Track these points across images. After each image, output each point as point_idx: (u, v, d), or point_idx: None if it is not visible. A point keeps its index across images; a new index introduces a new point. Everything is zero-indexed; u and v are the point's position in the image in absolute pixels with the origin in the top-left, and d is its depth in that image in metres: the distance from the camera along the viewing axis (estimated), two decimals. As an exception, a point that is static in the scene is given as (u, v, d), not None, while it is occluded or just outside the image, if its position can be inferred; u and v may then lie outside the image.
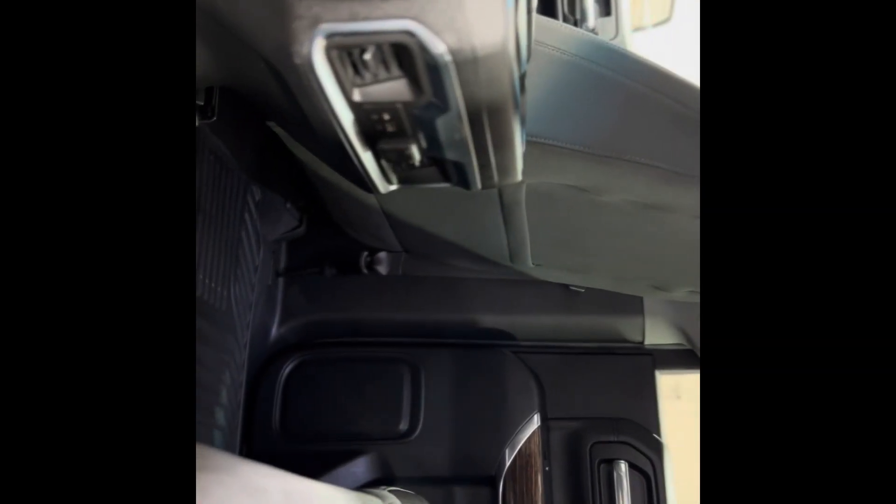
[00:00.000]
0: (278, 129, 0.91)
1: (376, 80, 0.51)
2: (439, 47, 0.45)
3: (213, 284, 1.06)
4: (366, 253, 1.25)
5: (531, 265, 1.14)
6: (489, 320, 1.27)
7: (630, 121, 0.82)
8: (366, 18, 0.45)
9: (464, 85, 0.48)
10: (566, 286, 1.26)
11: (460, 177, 0.67)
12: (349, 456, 1.11)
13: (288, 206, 1.25)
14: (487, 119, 0.54)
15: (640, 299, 1.27)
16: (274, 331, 1.29)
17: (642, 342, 1.28)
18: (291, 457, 1.15)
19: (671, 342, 1.28)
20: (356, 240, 1.22)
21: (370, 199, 1.01)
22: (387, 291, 1.26)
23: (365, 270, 1.24)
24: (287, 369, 1.20)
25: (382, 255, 1.27)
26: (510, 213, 0.96)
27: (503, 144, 0.60)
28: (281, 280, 1.32)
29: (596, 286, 1.22)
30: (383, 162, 0.64)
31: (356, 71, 0.50)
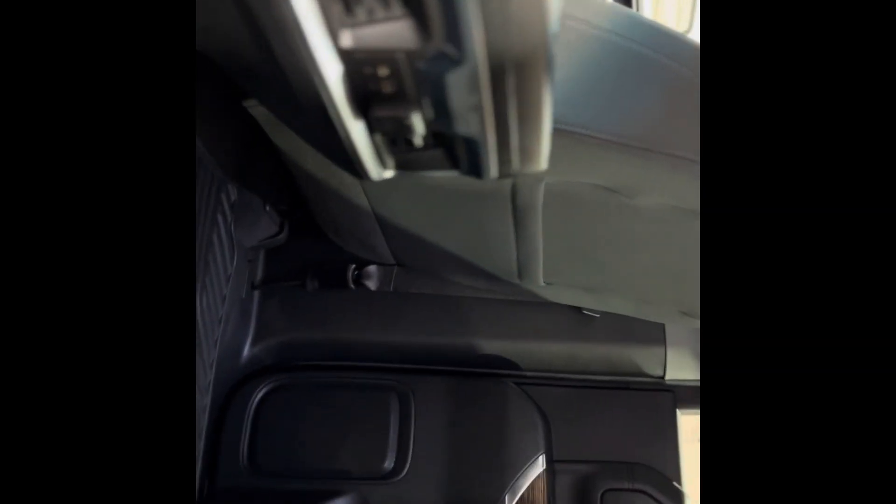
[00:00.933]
0: (257, 111, 0.80)
1: (372, 20, 0.43)
2: None
3: None
4: (353, 265, 1.18)
5: (541, 283, 1.03)
6: (491, 346, 1.17)
7: (675, 109, 0.71)
8: None
9: (488, 25, 0.41)
10: (579, 310, 1.16)
11: (472, 161, 0.58)
12: (326, 496, 1.03)
13: (268, 209, 1.15)
14: (513, 77, 0.46)
15: (662, 327, 1.16)
16: (246, 350, 1.19)
17: (663, 377, 1.18)
18: (260, 495, 1.06)
19: (695, 378, 1.17)
20: (343, 250, 1.16)
21: (360, 199, 0.89)
22: (376, 309, 1.19)
23: (352, 285, 1.17)
24: (259, 394, 1.12)
25: (372, 268, 1.18)
26: (523, 218, 0.84)
27: (529, 115, 0.51)
28: (257, 293, 1.23)
29: (614, 310, 1.12)
30: (377, 137, 0.56)
31: (346, 5, 0.42)
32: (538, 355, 1.17)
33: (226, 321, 1.11)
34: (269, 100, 0.64)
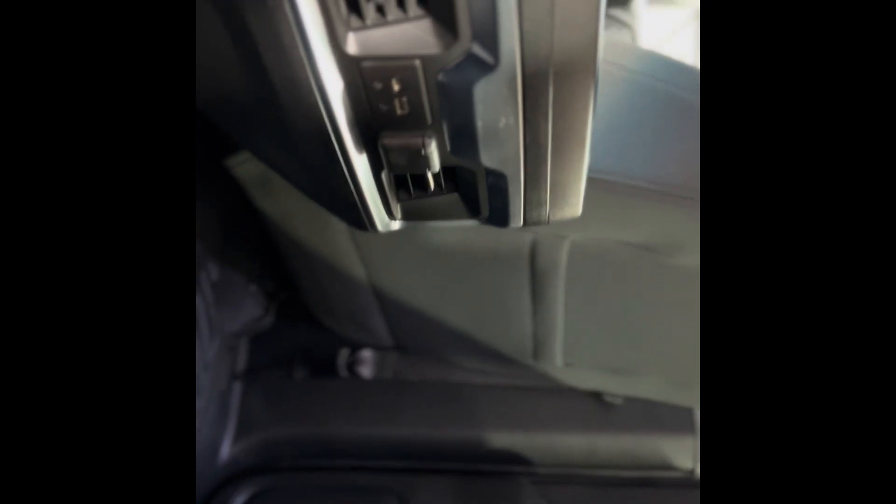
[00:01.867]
0: (242, 171, 0.74)
1: (382, 22, 0.37)
2: None
3: None
4: (346, 350, 1.10)
5: (560, 364, 0.95)
6: (501, 439, 1.07)
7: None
8: None
9: (527, 20, 0.35)
10: (599, 396, 1.06)
11: (495, 205, 0.52)
12: None
13: (252, 289, 1.08)
14: (553, 89, 0.40)
15: (690, 413, 1.07)
16: (225, 450, 1.09)
17: (693, 470, 1.08)
18: None
19: (731, 471, 1.05)
20: (335, 333, 1.09)
21: (356, 269, 0.81)
22: (371, 400, 1.09)
23: (345, 372, 1.09)
24: (240, 500, 1.03)
25: (367, 352, 1.09)
26: (542, 284, 0.76)
27: (569, 140, 0.45)
28: (238, 384, 1.13)
29: (642, 394, 1.03)
30: (385, 176, 0.49)
31: (352, 4, 0.36)
32: (555, 449, 1.07)
33: (203, 416, 1.01)
34: (258, 142, 0.56)
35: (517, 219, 0.52)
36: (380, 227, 0.53)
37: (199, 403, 1.00)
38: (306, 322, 1.08)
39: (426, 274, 0.81)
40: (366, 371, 1.08)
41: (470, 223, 0.54)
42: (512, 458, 1.07)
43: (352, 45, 0.37)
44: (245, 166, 0.73)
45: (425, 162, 0.44)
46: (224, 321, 1.06)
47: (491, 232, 0.70)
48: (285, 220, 0.79)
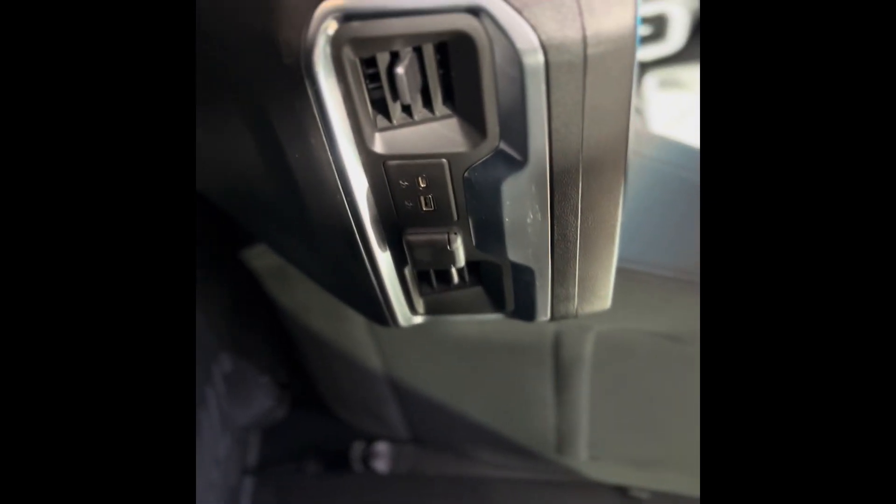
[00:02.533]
0: (258, 263, 0.74)
1: (409, 122, 0.37)
2: (525, 38, 0.31)
3: None
4: (361, 443, 1.07)
5: (584, 458, 0.92)
6: None
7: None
8: None
9: (557, 118, 0.34)
10: (624, 491, 1.02)
11: (521, 300, 0.50)
12: None
13: (264, 380, 1.06)
14: (583, 184, 0.39)
15: None
16: None
17: None
18: None
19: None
20: (349, 426, 1.06)
21: (373, 360, 0.79)
22: (387, 496, 1.06)
23: (359, 467, 1.06)
24: None
25: (382, 446, 1.06)
26: (567, 376, 0.73)
27: (598, 234, 0.44)
28: (249, 480, 1.09)
29: (668, 488, 0.98)
30: (408, 271, 0.48)
31: (379, 105, 0.36)
32: None
33: None
34: (277, 236, 0.55)
35: (544, 313, 0.50)
36: (402, 322, 0.52)
37: (210, 499, 0.96)
38: (319, 413, 1.05)
39: (444, 365, 0.79)
40: (381, 465, 1.04)
41: (494, 316, 0.52)
42: (536, 558, 1.02)
43: (379, 146, 0.36)
44: (261, 259, 0.72)
45: (450, 258, 0.43)
46: (236, 414, 1.04)
47: (512, 323, 0.68)
48: (301, 311, 0.77)
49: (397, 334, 0.74)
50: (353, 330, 0.75)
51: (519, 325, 0.69)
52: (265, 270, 0.73)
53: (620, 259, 0.59)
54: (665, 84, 1.39)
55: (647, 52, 1.28)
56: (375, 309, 0.50)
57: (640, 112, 1.28)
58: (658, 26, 1.20)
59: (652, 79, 1.34)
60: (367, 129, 0.35)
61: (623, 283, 0.60)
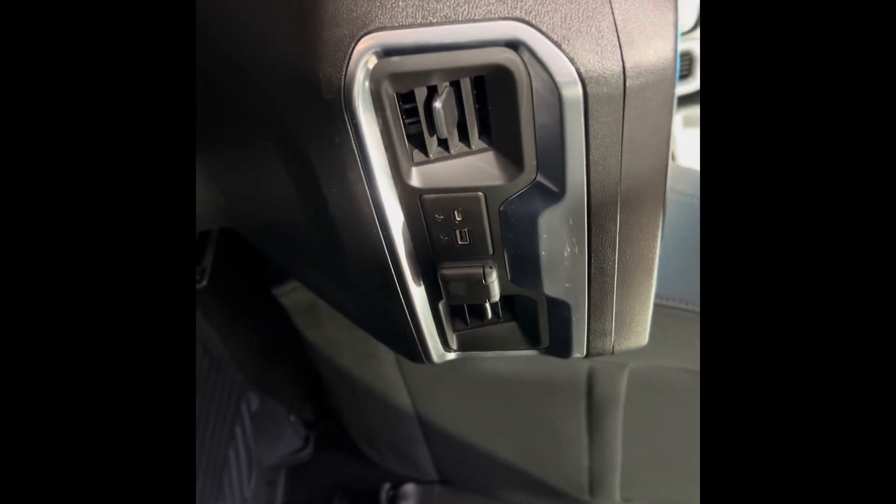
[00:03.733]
0: (289, 299, 0.74)
1: (445, 156, 0.37)
2: (564, 71, 0.31)
3: None
4: (388, 484, 1.06)
5: (618, 500, 0.89)
6: None
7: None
8: (445, 20, 0.31)
9: (595, 151, 0.34)
10: None
11: (556, 336, 0.50)
12: None
13: (292, 419, 1.06)
14: (621, 218, 0.39)
15: None
16: None
17: None
18: None
19: None
20: (376, 467, 1.05)
21: (402, 398, 0.79)
22: None
23: None
24: None
25: (410, 487, 1.05)
26: (600, 415, 0.72)
27: (636, 270, 0.44)
28: None
29: None
30: (442, 306, 0.47)
31: (413, 137, 0.36)
32: None
33: None
34: (309, 272, 0.55)
35: (580, 349, 0.49)
36: (435, 358, 0.51)
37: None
38: (346, 454, 1.05)
39: (475, 403, 0.78)
40: (409, 506, 1.03)
41: (529, 353, 0.52)
42: None
43: (416, 179, 0.36)
44: (292, 295, 0.72)
45: (485, 292, 0.43)
46: (263, 454, 1.03)
47: (545, 360, 0.67)
48: (331, 348, 0.77)
49: (427, 371, 0.74)
50: (383, 367, 0.74)
51: (552, 362, 0.68)
52: (296, 307, 0.73)
53: (663, 297, 0.59)
54: (689, 122, 1.39)
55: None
56: (408, 345, 0.50)
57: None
58: (684, 64, 1.21)
59: (677, 117, 1.35)
60: (404, 163, 0.35)
61: (658, 319, 0.59)
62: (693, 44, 1.18)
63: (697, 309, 0.59)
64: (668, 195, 0.65)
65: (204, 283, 0.72)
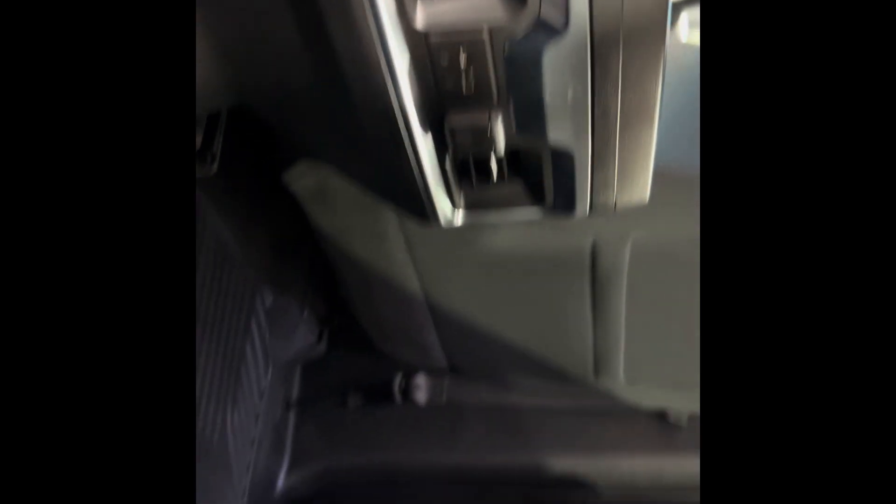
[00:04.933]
0: (300, 185, 0.75)
1: None
2: None
3: (205, 406, 0.85)
4: (400, 375, 1.08)
5: (622, 380, 0.92)
6: (563, 464, 1.04)
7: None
8: None
9: None
10: (663, 417, 1.02)
11: (561, 190, 0.51)
12: None
13: (305, 314, 1.07)
14: (623, 56, 0.39)
15: None
16: (281, 480, 1.08)
17: None
18: None
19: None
20: (388, 360, 1.07)
21: (412, 284, 0.81)
22: (427, 426, 1.08)
23: (399, 399, 1.08)
24: None
25: (421, 378, 1.08)
26: (604, 289, 0.74)
27: (638, 114, 0.45)
28: (292, 414, 1.12)
29: None
30: (449, 161, 0.49)
31: None
32: (617, 472, 1.03)
33: (258, 445, 1.00)
34: (317, 136, 0.56)
35: (583, 204, 0.50)
36: (442, 219, 0.53)
37: (255, 434, 0.99)
38: (359, 348, 1.07)
39: (482, 284, 0.80)
40: (420, 396, 1.07)
41: (534, 213, 0.53)
42: (575, 484, 1.04)
43: (420, 18, 0.37)
44: (302, 181, 0.73)
45: (491, 142, 0.44)
46: (278, 350, 1.06)
47: (550, 235, 0.69)
48: (341, 234, 0.78)
49: (435, 253, 0.75)
50: (393, 250, 0.76)
51: (556, 237, 0.69)
52: (306, 192, 0.74)
53: (662, 161, 0.60)
54: None
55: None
56: (417, 203, 0.51)
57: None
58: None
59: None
60: (409, 2, 0.36)
61: (659, 185, 0.61)
62: None
63: (698, 173, 0.59)
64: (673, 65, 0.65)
65: (214, 169, 0.73)
